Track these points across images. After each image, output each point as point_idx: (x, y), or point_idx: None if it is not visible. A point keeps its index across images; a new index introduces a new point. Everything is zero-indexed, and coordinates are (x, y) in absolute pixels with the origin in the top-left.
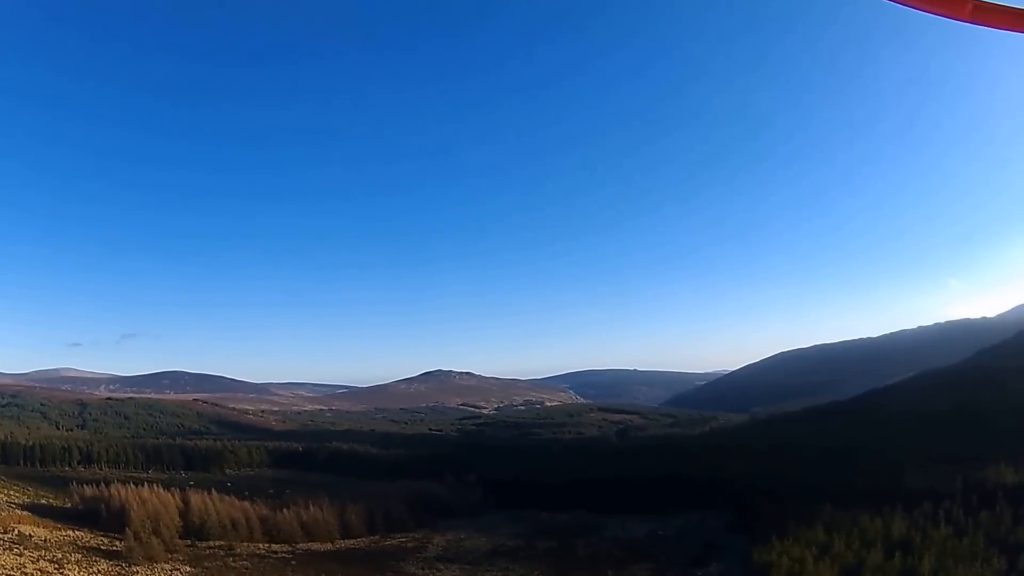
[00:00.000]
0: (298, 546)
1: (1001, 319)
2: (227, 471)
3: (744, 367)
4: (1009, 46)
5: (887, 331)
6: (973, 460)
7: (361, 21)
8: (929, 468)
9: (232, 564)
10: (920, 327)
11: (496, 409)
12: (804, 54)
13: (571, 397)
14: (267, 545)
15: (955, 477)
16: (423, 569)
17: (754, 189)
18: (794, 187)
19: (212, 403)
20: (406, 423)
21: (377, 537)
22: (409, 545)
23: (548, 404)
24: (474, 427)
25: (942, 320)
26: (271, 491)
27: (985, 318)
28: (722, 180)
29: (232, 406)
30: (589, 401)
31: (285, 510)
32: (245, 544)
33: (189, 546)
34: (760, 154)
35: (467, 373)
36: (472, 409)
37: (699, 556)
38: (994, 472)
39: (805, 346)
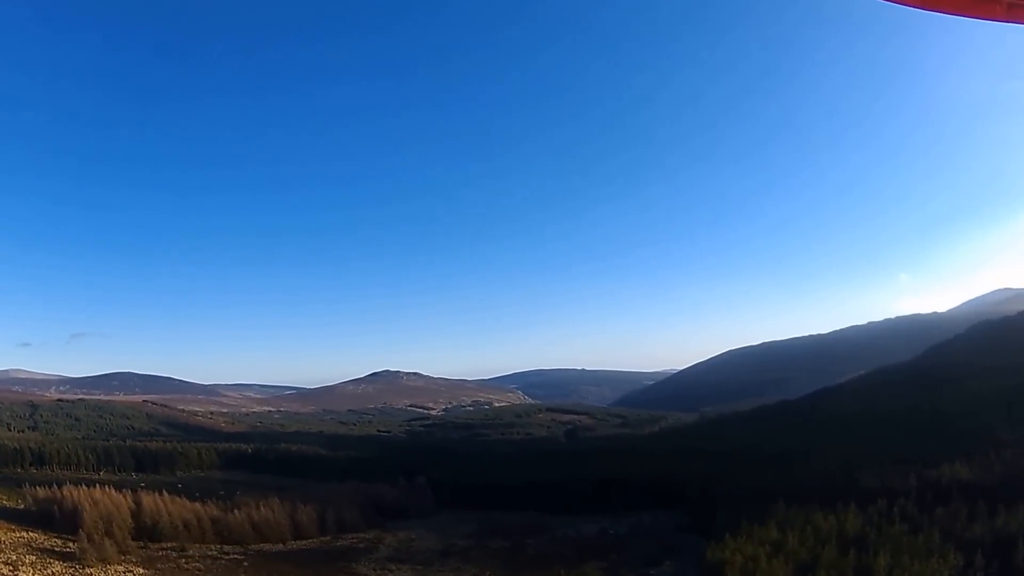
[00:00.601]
0: (250, 547)
1: (952, 313)
2: (177, 473)
3: (692, 366)
4: (959, 45)
5: (837, 327)
6: (926, 458)
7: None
8: (882, 466)
9: (185, 566)
10: (870, 323)
11: (444, 410)
12: (751, 51)
13: (519, 397)
14: (219, 546)
15: (909, 475)
16: (375, 569)
17: (700, 188)
18: (742, 185)
19: (161, 404)
20: (355, 424)
21: (328, 538)
22: (360, 546)
23: (496, 405)
24: (423, 428)
25: (892, 315)
26: (222, 492)
27: (936, 313)
28: (667, 179)
29: (181, 407)
30: (537, 401)
31: (236, 511)
32: (197, 545)
33: (142, 547)
34: (707, 152)
35: (415, 374)
36: (420, 410)
37: (652, 555)
38: (948, 469)
39: (753, 344)
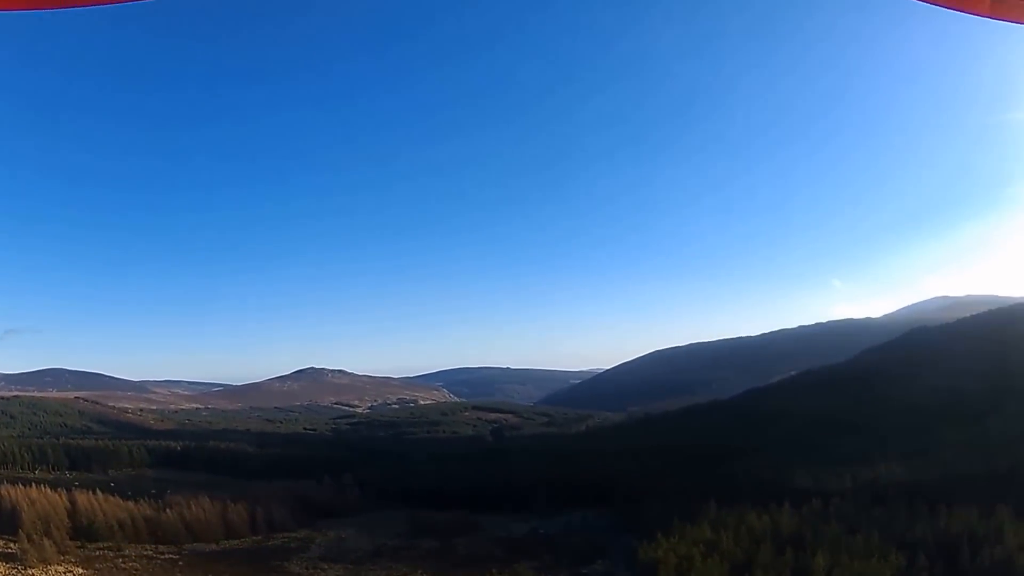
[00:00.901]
0: (184, 547)
1: (888, 319)
2: (110, 471)
3: (619, 365)
4: (889, 47)
5: (767, 330)
6: (861, 458)
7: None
8: (816, 466)
9: (122, 565)
10: (801, 326)
11: (370, 408)
12: (682, 48)
13: (444, 395)
14: (154, 546)
15: (844, 475)
16: (307, 569)
17: (630, 186)
18: (673, 185)
19: (93, 401)
20: (281, 422)
21: (260, 537)
22: (292, 545)
23: (422, 403)
24: (349, 426)
25: (824, 320)
26: (153, 491)
27: (870, 318)
28: (600, 176)
29: (112, 404)
30: (463, 400)
31: (168, 511)
32: (133, 545)
33: (80, 547)
34: (638, 149)
35: (340, 371)
36: (346, 408)
37: (583, 554)
38: (885, 470)
39: (681, 344)
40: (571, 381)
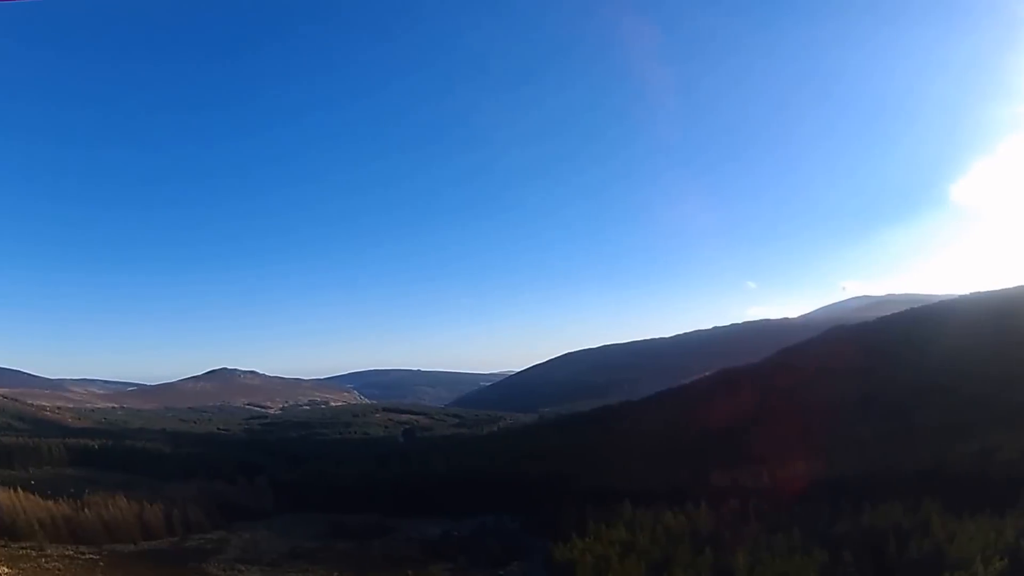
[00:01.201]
0: (103, 547)
1: (805, 319)
2: (30, 469)
3: (530, 367)
4: (812, 55)
5: (681, 332)
6: (780, 456)
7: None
8: (733, 465)
9: (45, 565)
10: (716, 327)
11: (282, 409)
12: (595, 60)
13: (355, 397)
14: (75, 546)
15: (762, 473)
16: (224, 571)
17: (544, 192)
18: (586, 192)
19: (12, 398)
20: (195, 422)
21: (176, 538)
22: (208, 547)
23: (333, 404)
24: (261, 427)
25: (740, 321)
26: (72, 490)
27: (787, 319)
28: (516, 184)
29: (31, 402)
30: (374, 401)
31: (87, 510)
32: (54, 545)
33: (3, 546)
34: (552, 157)
35: (252, 372)
36: (258, 409)
37: (498, 556)
38: (804, 467)
39: (593, 346)
40: (482, 383)
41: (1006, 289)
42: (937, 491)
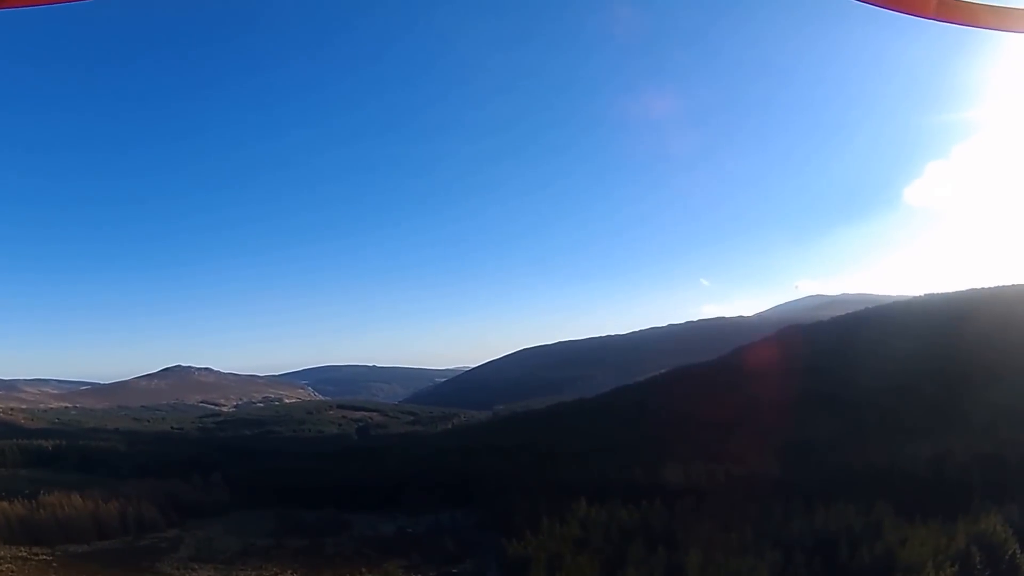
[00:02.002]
0: (57, 548)
1: (759, 317)
2: None
3: (484, 364)
4: (770, 50)
5: (636, 329)
6: (733, 455)
7: None
8: (687, 463)
9: None
10: (671, 325)
11: (235, 406)
12: (548, 55)
13: (309, 394)
14: (28, 548)
15: (716, 471)
16: (178, 570)
17: (498, 187)
18: (540, 188)
19: None
20: (149, 421)
21: (130, 538)
22: (162, 545)
23: (287, 401)
24: (215, 425)
25: (695, 319)
26: (27, 491)
27: (741, 317)
28: (470, 178)
29: None
30: (328, 398)
31: (42, 511)
32: (8, 547)
33: None
34: (504, 151)
35: (206, 369)
36: (212, 407)
37: (452, 553)
38: (758, 466)
39: (548, 343)
40: (436, 379)
41: (958, 292)
42: (889, 493)
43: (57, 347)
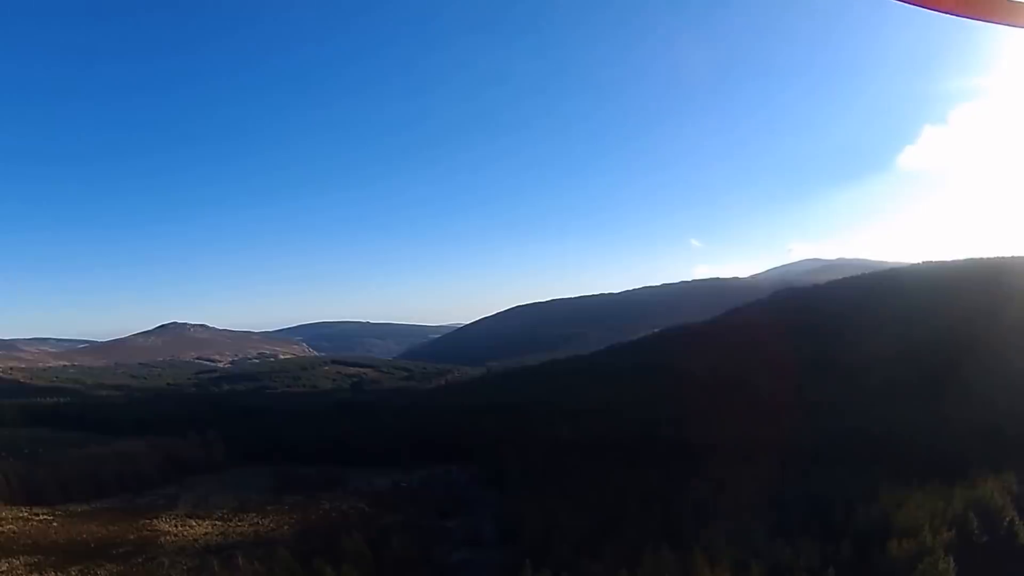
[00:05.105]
0: (57, 507)
1: (756, 279)
2: None
3: (478, 320)
4: (779, 17)
5: (630, 287)
6: (730, 416)
7: None
8: (682, 422)
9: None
10: (665, 284)
11: (231, 362)
12: (538, 14)
13: (304, 350)
14: (28, 508)
15: (712, 431)
16: (177, 526)
17: (492, 143)
18: (533, 146)
19: None
20: (145, 378)
21: (130, 495)
22: (160, 502)
23: (282, 357)
24: (210, 381)
25: (689, 279)
26: (27, 451)
27: (737, 278)
28: (464, 134)
29: None
30: (322, 354)
31: (41, 470)
32: (8, 507)
33: None
34: (497, 106)
35: (201, 326)
36: (208, 363)
37: (447, 508)
38: (755, 428)
39: (542, 300)
40: (430, 335)
41: (957, 261)
42: (887, 459)
43: (55, 306)
